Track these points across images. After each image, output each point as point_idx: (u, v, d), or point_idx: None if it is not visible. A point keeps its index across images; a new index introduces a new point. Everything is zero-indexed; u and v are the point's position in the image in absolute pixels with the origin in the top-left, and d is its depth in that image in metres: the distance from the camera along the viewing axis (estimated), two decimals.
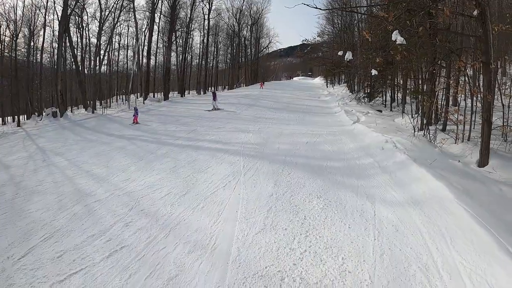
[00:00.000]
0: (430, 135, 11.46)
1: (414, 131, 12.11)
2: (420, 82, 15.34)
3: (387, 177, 8.05)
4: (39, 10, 31.44)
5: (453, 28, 12.88)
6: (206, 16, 47.68)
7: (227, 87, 55.39)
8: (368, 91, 25.80)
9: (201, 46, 49.70)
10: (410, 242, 5.11)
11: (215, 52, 55.28)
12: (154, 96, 38.81)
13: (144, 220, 6.35)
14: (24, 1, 31.45)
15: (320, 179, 8.23)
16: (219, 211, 6.60)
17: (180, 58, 44.45)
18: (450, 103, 13.88)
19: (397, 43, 9.18)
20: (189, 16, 43.64)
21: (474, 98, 12.03)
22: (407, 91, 18.71)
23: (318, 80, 73.06)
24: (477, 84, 12.49)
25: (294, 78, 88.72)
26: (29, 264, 4.98)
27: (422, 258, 4.68)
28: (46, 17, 31.80)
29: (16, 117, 28.46)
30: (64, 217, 6.61)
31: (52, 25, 33.06)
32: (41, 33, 32.35)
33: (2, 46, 30.64)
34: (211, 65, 54.04)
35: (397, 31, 9.07)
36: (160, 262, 4.89)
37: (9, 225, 6.36)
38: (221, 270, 4.64)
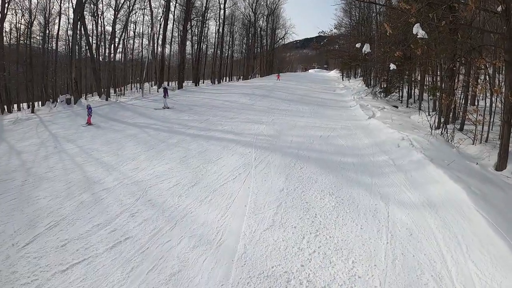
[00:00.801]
0: (448, 135, 11.16)
1: (431, 129, 11.80)
2: (438, 79, 14.97)
3: (402, 176, 7.79)
4: None
5: (475, 24, 12.48)
6: (222, 6, 47.52)
7: (242, 77, 55.23)
8: (385, 86, 25.41)
9: (217, 36, 49.59)
10: (424, 248, 4.89)
11: (230, 42, 55.25)
12: (168, 85, 38.79)
13: (151, 211, 6.28)
14: None
15: (333, 175, 8.02)
16: (227, 205, 6.48)
17: (195, 47, 44.45)
18: (469, 102, 13.53)
19: (418, 36, 8.89)
20: (204, 5, 43.55)
21: (493, 98, 11.68)
22: (425, 88, 18.35)
23: (334, 73, 72.72)
24: (497, 84, 12.14)
25: (310, 71, 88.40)
26: (33, 252, 4.96)
27: (436, 266, 4.46)
28: (61, 5, 31.98)
29: (30, 103, 28.74)
30: (71, 205, 6.59)
31: (67, 13, 33.24)
32: (56, 21, 32.54)
33: (18, 34, 30.92)
34: (226, 55, 54.02)
35: (418, 24, 8.77)
36: (164, 256, 4.80)
37: (16, 212, 6.37)
38: (226, 267, 4.51)
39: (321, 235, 5.27)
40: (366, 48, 11.75)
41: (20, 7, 30.13)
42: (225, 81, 50.77)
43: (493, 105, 11.75)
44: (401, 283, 4.15)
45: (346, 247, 4.91)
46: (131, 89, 41.22)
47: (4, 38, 28.02)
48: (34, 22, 30.96)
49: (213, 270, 4.46)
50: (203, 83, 45.36)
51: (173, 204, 6.56)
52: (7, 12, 27.57)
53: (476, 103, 14.22)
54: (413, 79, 21.39)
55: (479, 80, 12.70)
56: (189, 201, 6.68)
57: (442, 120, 12.39)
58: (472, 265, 4.42)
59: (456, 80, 12.65)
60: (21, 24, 30.85)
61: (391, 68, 13.41)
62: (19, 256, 4.86)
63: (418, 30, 8.75)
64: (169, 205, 6.52)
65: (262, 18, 61.67)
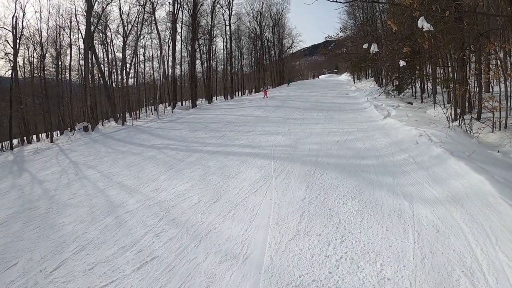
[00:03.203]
0: (466, 125, 11.02)
1: (448, 122, 11.66)
2: (450, 70, 14.82)
3: (423, 173, 7.69)
4: (63, 30, 32.66)
5: (479, 10, 12.34)
6: (227, 22, 48.31)
7: (254, 90, 55.63)
8: (397, 84, 25.24)
9: (225, 52, 50.24)
10: (452, 244, 4.81)
11: (239, 57, 55.86)
12: (182, 104, 39.33)
13: (175, 230, 6.31)
14: (48, 23, 32.39)
15: (354, 179, 7.96)
16: (250, 218, 6.46)
17: (205, 65, 45.13)
18: (483, 89, 13.35)
19: (424, 30, 8.83)
20: (210, 23, 44.33)
21: (507, 83, 11.50)
22: (437, 80, 18.18)
23: (345, 76, 72.64)
24: (509, 67, 11.96)
25: (320, 77, 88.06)
26: (61, 277, 5.05)
27: (466, 261, 4.39)
28: (71, 36, 32.88)
29: (49, 133, 29.36)
30: (96, 229, 6.71)
31: (77, 44, 34.29)
32: (68, 52, 33.56)
33: (32, 67, 31.82)
34: (236, 69, 54.55)
35: (423, 17, 8.72)
36: (191, 273, 4.82)
37: (42, 239, 6.53)
38: (253, 280, 4.50)
39: (347, 240, 5.22)
40: (374, 47, 11.73)
41: (31, 41, 31.04)
42: (238, 95, 51.10)
43: (508, 89, 11.55)
44: (432, 282, 4.09)
45: (373, 250, 4.86)
46: (146, 112, 41.87)
47: (19, 72, 28.81)
48: (46, 54, 31.84)
49: (240, 283, 4.45)
50: (216, 99, 45.77)
51: (197, 221, 6.58)
52: (19, 47, 28.41)
53: (490, 90, 14.03)
54: (424, 73, 21.21)
55: (490, 66, 12.53)
56: (212, 217, 6.68)
57: (458, 111, 12.25)
58: (503, 256, 4.34)
59: (467, 69, 12.50)
60: (33, 57, 31.81)
61: (401, 65, 13.34)
62: (47, 281, 4.96)
63: (423, 24, 8.70)
64: (192, 222, 6.55)
65: (268, 30, 62.38)
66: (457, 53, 12.49)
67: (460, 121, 11.48)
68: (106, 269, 5.12)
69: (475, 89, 12.68)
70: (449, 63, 15.27)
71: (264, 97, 35.10)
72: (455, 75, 12.87)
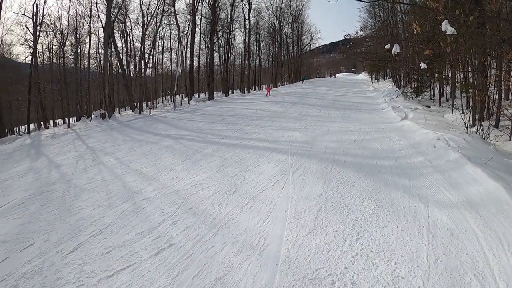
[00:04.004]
0: (484, 132, 10.97)
1: (466, 128, 11.62)
2: (470, 75, 14.70)
3: (440, 177, 7.73)
4: (84, 19, 33.02)
5: (502, 16, 12.22)
6: (247, 16, 48.22)
7: (271, 85, 55.59)
8: (415, 86, 25.06)
9: (243, 46, 50.27)
10: (465, 248, 4.87)
11: (257, 51, 55.79)
12: (198, 96, 39.44)
13: (192, 218, 6.39)
14: (69, 11, 32.75)
15: (370, 179, 8.03)
16: (268, 211, 6.55)
17: (223, 58, 45.15)
18: (503, 96, 13.24)
19: (447, 33, 8.81)
20: (229, 16, 44.22)
21: None
22: (456, 85, 18.04)
23: (363, 76, 72.14)
24: None
25: (337, 75, 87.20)
26: (77, 259, 5.10)
27: (478, 266, 4.45)
28: (91, 25, 33.24)
29: (66, 119, 29.72)
30: (113, 215, 6.77)
31: (97, 32, 34.60)
32: (87, 40, 33.91)
33: (51, 54, 32.20)
34: (254, 64, 54.49)
35: (446, 21, 8.69)
36: (208, 261, 4.90)
37: (59, 221, 6.58)
38: (270, 271, 4.59)
39: (363, 237, 5.31)
40: (396, 48, 11.68)
41: (51, 28, 31.36)
42: (254, 90, 51.09)
43: None
44: (444, 283, 4.16)
45: (388, 249, 4.94)
46: (162, 102, 42.11)
47: (38, 58, 29.14)
48: (66, 42, 32.16)
49: (257, 274, 4.55)
50: (233, 93, 45.74)
51: (214, 211, 6.68)
52: (39, 34, 28.71)
53: (510, 98, 13.92)
54: (443, 76, 21.05)
55: (511, 73, 12.42)
56: (229, 208, 6.79)
57: (477, 117, 12.18)
58: None
59: (488, 75, 12.42)
60: (53, 44, 32.12)
61: (421, 67, 13.28)
62: (64, 263, 5.02)
63: (447, 27, 8.67)
64: (210, 212, 6.64)
65: (287, 26, 62.13)
66: (478, 58, 12.40)
67: (478, 127, 11.43)
68: (123, 254, 5.19)
69: (495, 96, 12.58)
70: (469, 68, 15.15)
71: (266, 95, 34.15)
72: (475, 81, 12.79)
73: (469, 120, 12.15)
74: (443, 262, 4.56)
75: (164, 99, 45.73)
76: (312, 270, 4.56)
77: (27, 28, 28.70)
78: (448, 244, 4.99)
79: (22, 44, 29.37)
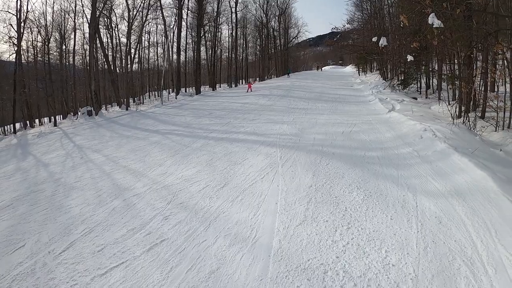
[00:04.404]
0: (470, 123, 11.12)
1: (453, 119, 11.77)
2: (456, 67, 14.86)
3: (427, 167, 7.85)
4: (68, 14, 32.60)
5: (489, 9, 12.36)
6: (234, 9, 47.94)
7: (258, 78, 55.41)
8: (402, 78, 25.24)
9: (230, 40, 50.06)
10: (454, 235, 4.98)
11: (244, 45, 55.62)
12: (186, 91, 39.30)
13: (183, 213, 6.41)
14: (53, 6, 32.33)
15: (359, 169, 8.12)
16: (258, 203, 6.60)
17: (210, 52, 44.95)
18: (488, 88, 13.41)
19: (434, 26, 8.89)
20: (216, 10, 44.01)
21: None
22: (443, 77, 18.21)
23: (350, 69, 72.38)
24: None
25: (324, 68, 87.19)
26: (70, 258, 5.07)
27: (467, 252, 4.56)
28: (76, 20, 32.85)
29: (52, 117, 29.38)
30: (104, 212, 6.74)
31: (82, 28, 34.25)
32: (72, 36, 33.48)
33: (35, 51, 31.75)
34: (241, 57, 54.33)
35: (433, 14, 8.77)
36: (201, 255, 4.92)
37: (49, 221, 6.52)
38: (263, 263, 4.63)
39: (353, 227, 5.39)
40: (383, 41, 11.78)
41: (36, 25, 30.89)
42: (242, 83, 50.97)
43: None
44: (434, 269, 4.26)
45: (378, 238, 5.02)
46: (149, 97, 41.87)
47: (22, 56, 28.70)
48: (51, 39, 31.72)
49: (251, 266, 4.59)
50: (220, 87, 45.60)
51: (205, 205, 6.70)
52: (23, 31, 28.22)
53: (496, 89, 14.10)
54: (430, 69, 21.23)
55: (497, 66, 12.58)
56: (220, 202, 6.82)
57: (463, 108, 12.33)
58: (502, 248, 4.51)
59: (474, 67, 12.57)
60: (37, 41, 31.65)
61: (408, 60, 13.39)
62: (56, 263, 4.99)
63: (433, 20, 8.76)
64: (200, 206, 6.66)
65: (274, 19, 62.02)
66: (465, 51, 12.54)
67: (465, 118, 11.58)
68: (116, 251, 5.18)
69: (481, 87, 12.73)
70: (455, 61, 15.29)
71: (247, 91, 31.70)
72: (462, 73, 12.93)
73: (455, 112, 12.30)
74: (432, 249, 4.65)
75: (151, 94, 45.48)
76: (304, 260, 4.61)
77: (11, 25, 28.22)
78: (437, 231, 5.09)
79: (6, 42, 28.90)
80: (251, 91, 31.43)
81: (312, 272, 4.36)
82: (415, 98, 20.25)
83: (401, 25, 10.09)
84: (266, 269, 4.49)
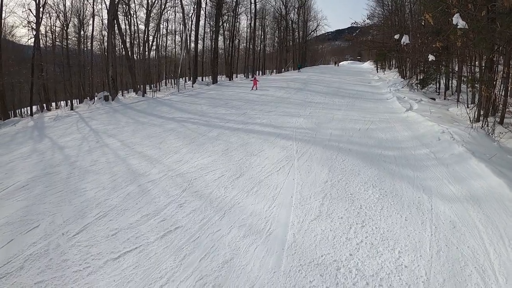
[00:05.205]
0: (488, 128, 10.98)
1: (471, 122, 11.64)
2: (477, 70, 14.64)
3: (444, 170, 7.79)
4: (87, 0, 32.59)
5: None
6: (253, 0, 47.54)
7: (275, 70, 55.22)
8: (421, 78, 24.96)
9: (248, 30, 49.96)
10: (467, 241, 4.95)
11: (262, 36, 55.42)
12: (202, 80, 39.32)
13: (198, 202, 6.45)
14: None
15: (375, 168, 8.10)
16: (273, 196, 6.63)
17: (228, 42, 44.86)
18: (508, 94, 13.21)
19: (458, 27, 8.77)
20: (235, 0, 43.64)
21: None
22: (463, 79, 17.97)
23: (368, 65, 71.78)
24: None
25: (342, 63, 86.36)
26: (83, 241, 5.12)
27: (479, 259, 4.53)
28: (94, 6, 33.09)
29: (69, 101, 29.70)
30: (118, 197, 6.79)
31: (100, 14, 34.64)
32: (90, 22, 33.81)
33: (54, 36, 32.07)
34: (258, 48, 54.17)
35: (458, 14, 8.66)
36: (215, 244, 4.95)
37: (64, 203, 6.57)
38: (277, 256, 4.66)
39: (367, 225, 5.40)
40: (405, 39, 11.63)
41: (54, 10, 31.14)
42: (259, 74, 50.89)
43: None
44: (446, 274, 4.25)
45: (392, 238, 5.03)
46: (166, 85, 42.07)
47: (41, 41, 28.98)
48: (69, 24, 31.98)
49: (264, 258, 4.62)
50: (237, 77, 45.56)
51: (220, 195, 6.74)
52: (42, 16, 28.49)
53: None
54: (450, 69, 20.96)
55: None
56: (235, 192, 6.86)
57: (482, 112, 12.17)
58: None
59: (495, 71, 12.37)
60: (56, 26, 31.97)
61: (429, 59, 13.21)
62: (69, 245, 5.03)
63: (458, 20, 8.65)
64: (215, 196, 6.70)
65: (293, 11, 61.61)
66: (487, 54, 12.35)
67: (483, 123, 11.42)
68: (130, 236, 5.22)
69: (501, 92, 12.54)
70: (476, 63, 15.06)
71: (252, 89, 27.27)
72: (483, 76, 12.74)
73: (474, 115, 12.16)
74: (445, 254, 4.64)
75: (167, 82, 45.68)
76: (317, 256, 4.63)
77: (30, 10, 28.51)
78: (450, 236, 5.07)
79: (25, 26, 29.30)
80: (256, 89, 27.11)
81: (325, 268, 4.38)
82: (433, 99, 20.06)
83: (423, 24, 9.95)
84: (279, 262, 4.52)
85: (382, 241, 4.94)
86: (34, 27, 27.89)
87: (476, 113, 12.35)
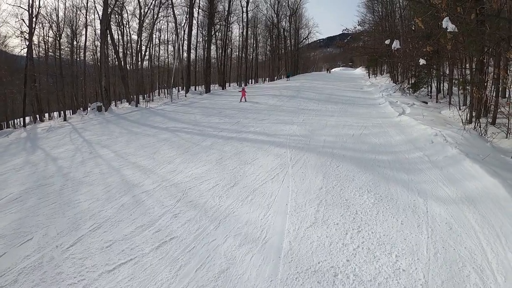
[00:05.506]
0: (481, 129, 11.06)
1: (464, 124, 11.72)
2: (468, 72, 14.76)
3: (438, 172, 7.82)
4: (80, 10, 32.91)
5: (502, 14, 12.26)
6: (245, 9, 48.07)
7: (268, 79, 55.39)
8: (413, 82, 25.13)
9: (241, 39, 50.18)
10: (464, 242, 4.95)
11: (254, 44, 55.66)
12: (195, 89, 39.43)
13: (193, 212, 6.40)
14: (65, 2, 32.68)
15: (369, 173, 8.10)
16: (268, 204, 6.59)
17: (220, 51, 45.02)
18: (500, 94, 13.30)
19: (448, 30, 8.84)
20: (227, 9, 44.14)
21: None
22: (454, 82, 18.11)
23: (360, 71, 72.24)
24: None
25: (334, 70, 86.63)
26: (77, 253, 5.06)
27: (477, 259, 4.54)
28: (87, 17, 33.11)
29: (62, 112, 29.61)
30: (112, 208, 6.74)
31: (93, 24, 34.59)
32: (83, 32, 33.83)
33: (46, 46, 32.04)
34: (251, 57, 54.34)
35: (447, 18, 8.73)
36: (211, 254, 4.91)
37: (57, 215, 6.51)
38: (273, 264, 4.63)
39: (364, 231, 5.38)
40: (396, 44, 11.72)
41: (47, 20, 31.17)
42: (251, 83, 50.99)
43: None
44: (444, 276, 4.24)
45: (389, 242, 5.02)
46: (159, 95, 42.05)
47: (34, 51, 28.94)
48: (62, 34, 32.00)
49: (260, 267, 4.58)
50: (230, 86, 45.63)
51: (215, 204, 6.70)
52: (35, 26, 28.48)
53: (508, 96, 14.00)
54: (441, 73, 21.12)
55: (509, 72, 12.48)
56: (230, 201, 6.82)
57: (474, 114, 12.25)
58: None
59: (486, 73, 12.48)
60: (48, 36, 31.95)
61: (420, 63, 13.32)
62: (64, 257, 4.97)
63: (447, 24, 8.71)
64: (210, 205, 6.66)
65: (285, 19, 62.01)
66: (477, 56, 12.46)
67: (476, 124, 11.52)
68: (124, 247, 5.17)
69: (492, 93, 12.64)
70: (467, 65, 15.19)
71: (241, 100, 24.79)
72: (474, 78, 12.84)
73: (466, 117, 12.26)
74: (442, 256, 4.63)
75: (160, 92, 45.66)
76: (314, 263, 4.61)
77: (23, 20, 28.51)
78: (447, 238, 5.07)
79: (18, 37, 29.19)
80: (245, 100, 24.85)
81: (323, 275, 4.36)
82: (426, 102, 20.19)
83: (413, 28, 10.03)
84: (276, 270, 4.49)
85: (379, 246, 4.93)
86: (27, 37, 27.86)
87: (468, 114, 12.45)
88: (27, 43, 27.69)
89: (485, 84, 12.15)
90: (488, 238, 4.96)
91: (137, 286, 4.29)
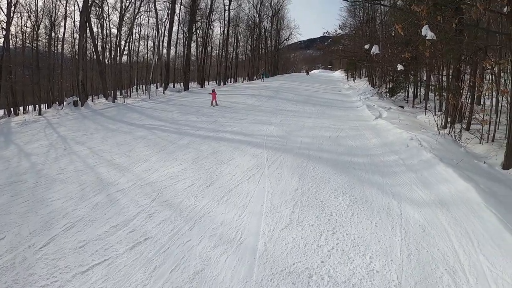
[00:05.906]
0: (455, 134, 11.27)
1: (439, 129, 11.93)
2: (444, 79, 15.05)
3: (412, 176, 7.93)
4: (60, 1, 31.92)
5: (481, 25, 12.54)
6: (227, 7, 47.79)
7: (247, 78, 55.29)
8: (390, 86, 25.48)
9: (222, 37, 49.89)
10: (437, 244, 5.04)
11: (235, 43, 55.45)
12: (174, 86, 38.93)
13: (168, 211, 6.35)
14: None
15: (345, 175, 8.15)
16: (244, 205, 6.58)
17: (200, 49, 44.68)
18: (475, 101, 13.61)
19: (427, 38, 8.98)
20: (209, 7, 43.83)
21: (500, 98, 11.78)
22: (431, 88, 18.42)
23: (339, 74, 72.86)
24: (502, 83, 12.22)
25: (313, 71, 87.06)
26: (50, 254, 4.97)
27: (449, 260, 4.62)
28: (67, 8, 32.26)
29: (37, 106, 28.89)
30: (86, 207, 6.63)
31: (72, 16, 33.69)
32: (62, 24, 32.89)
33: (24, 37, 31.20)
34: (231, 56, 54.15)
35: (427, 26, 8.86)
36: (186, 255, 4.87)
37: (30, 213, 6.39)
38: (248, 265, 4.62)
39: (338, 232, 5.41)
40: (375, 49, 11.85)
41: (26, 10, 30.34)
42: (230, 82, 50.83)
43: (499, 104, 11.86)
44: (417, 277, 4.30)
45: (363, 244, 5.06)
46: (137, 91, 41.48)
47: (10, 41, 28.16)
48: (41, 25, 31.19)
49: (235, 268, 4.57)
50: (208, 84, 45.41)
51: (190, 204, 6.65)
52: (13, 15, 27.68)
53: (482, 103, 14.32)
54: (418, 79, 21.47)
55: (484, 80, 12.76)
56: (205, 201, 6.78)
57: (449, 119, 12.48)
58: (483, 259, 4.58)
59: (462, 80, 12.74)
60: (26, 27, 31.10)
61: (398, 69, 13.50)
62: (36, 258, 4.87)
63: (427, 32, 8.85)
64: (186, 205, 6.62)
65: (266, 19, 61.92)
66: (454, 64, 12.70)
67: (450, 129, 11.74)
68: (98, 248, 5.09)
69: (467, 100, 12.91)
70: (444, 72, 15.47)
71: (211, 104, 21.77)
72: (450, 85, 13.09)
73: (441, 122, 12.49)
74: (415, 257, 4.70)
75: (138, 87, 45.07)
76: (289, 264, 4.61)
77: (1, 8, 27.71)
78: (420, 239, 5.15)
79: None
80: (216, 104, 21.89)
81: (297, 276, 4.36)
82: (402, 107, 20.50)
83: (393, 34, 10.17)
84: (251, 271, 4.48)
85: (353, 247, 4.96)
86: (5, 27, 27.09)
87: (444, 120, 12.69)
88: (4, 33, 26.90)
89: (461, 91, 12.40)
90: (460, 241, 5.05)
91: (111, 287, 4.22)
